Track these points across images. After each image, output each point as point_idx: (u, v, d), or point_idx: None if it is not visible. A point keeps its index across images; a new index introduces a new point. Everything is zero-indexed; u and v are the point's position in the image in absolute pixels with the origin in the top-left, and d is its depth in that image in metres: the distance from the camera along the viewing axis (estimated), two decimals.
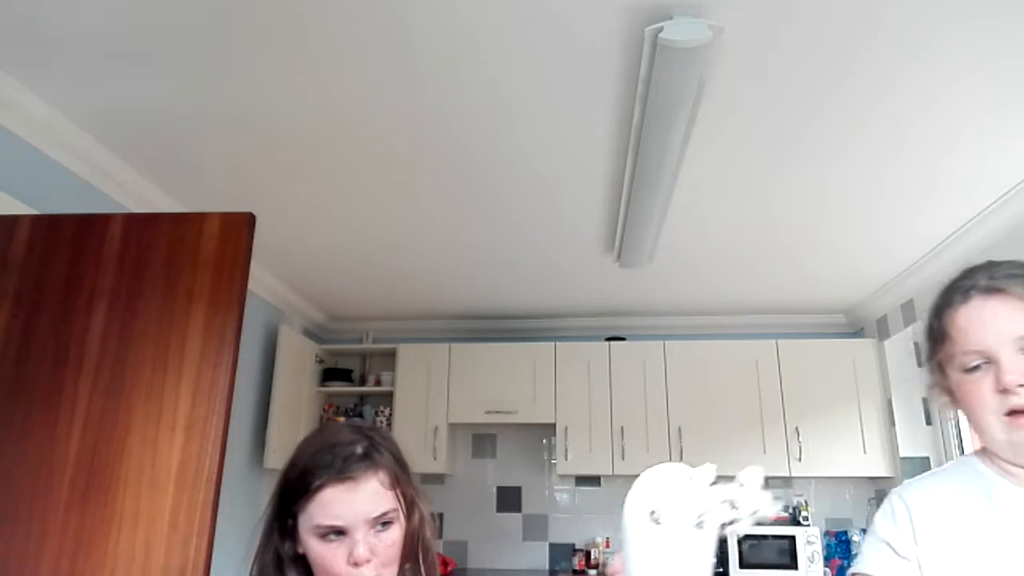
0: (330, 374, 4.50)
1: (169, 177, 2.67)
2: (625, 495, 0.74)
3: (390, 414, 4.38)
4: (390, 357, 4.54)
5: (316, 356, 4.43)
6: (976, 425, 0.96)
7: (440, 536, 4.43)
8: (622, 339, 4.44)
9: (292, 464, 1.01)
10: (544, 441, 4.56)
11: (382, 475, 0.99)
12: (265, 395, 3.92)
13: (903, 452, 3.88)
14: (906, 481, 1.08)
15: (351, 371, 4.60)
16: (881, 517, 1.04)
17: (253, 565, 1.02)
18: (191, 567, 1.63)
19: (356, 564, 0.94)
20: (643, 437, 4.13)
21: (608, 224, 3.13)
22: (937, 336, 0.98)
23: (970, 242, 3.06)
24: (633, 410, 4.19)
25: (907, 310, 3.75)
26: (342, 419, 4.40)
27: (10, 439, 1.75)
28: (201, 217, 1.92)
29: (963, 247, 3.12)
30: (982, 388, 0.92)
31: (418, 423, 4.29)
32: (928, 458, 3.86)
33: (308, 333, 4.58)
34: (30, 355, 1.81)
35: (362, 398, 4.71)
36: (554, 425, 4.24)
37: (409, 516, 1.02)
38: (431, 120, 2.27)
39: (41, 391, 1.78)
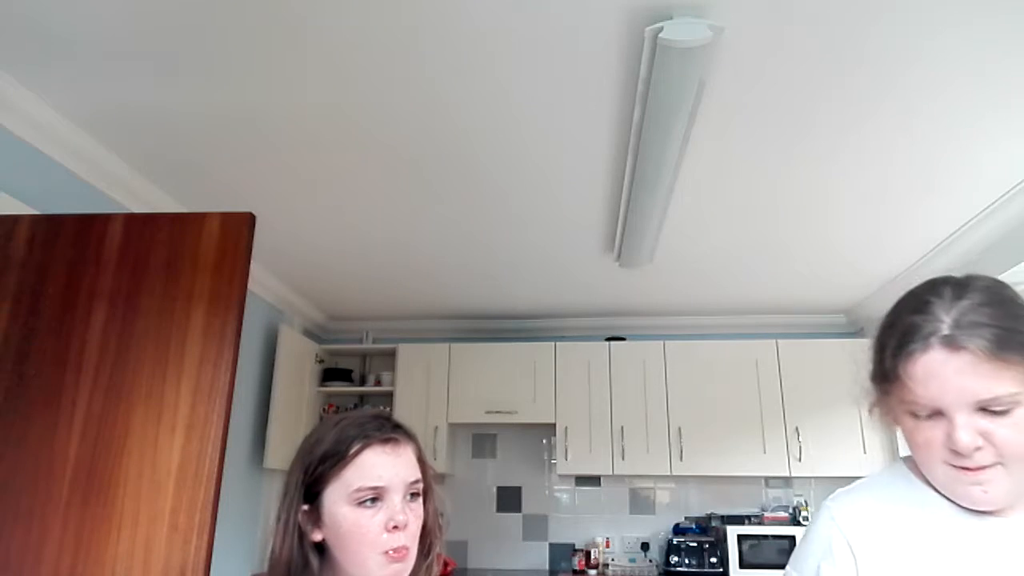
0: (330, 374, 4.50)
1: (169, 177, 2.67)
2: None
3: (390, 414, 4.37)
4: (390, 357, 4.53)
5: (316, 356, 4.43)
6: (918, 459, 0.91)
7: None
8: (622, 339, 4.44)
9: (317, 442, 1.00)
10: (544, 441, 4.56)
11: (415, 447, 1.03)
12: (265, 395, 3.92)
13: (903, 452, 3.85)
14: (839, 494, 0.98)
15: (351, 371, 4.60)
16: (812, 540, 0.95)
17: (276, 551, 0.97)
18: (191, 567, 1.63)
19: (396, 528, 0.94)
20: (643, 437, 4.13)
21: (608, 224, 3.13)
22: (889, 374, 0.89)
23: (970, 242, 3.06)
24: (633, 410, 4.19)
25: None
26: None
27: (10, 439, 1.75)
28: (201, 217, 1.92)
29: (963, 247, 3.12)
30: (931, 437, 0.86)
31: (418, 423, 4.26)
32: None
33: (308, 333, 4.58)
34: (30, 355, 1.81)
35: (362, 398, 4.71)
36: (554, 425, 4.24)
37: (428, 500, 1.03)
38: (431, 120, 2.27)
39: (41, 391, 1.78)
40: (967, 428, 0.82)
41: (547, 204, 2.92)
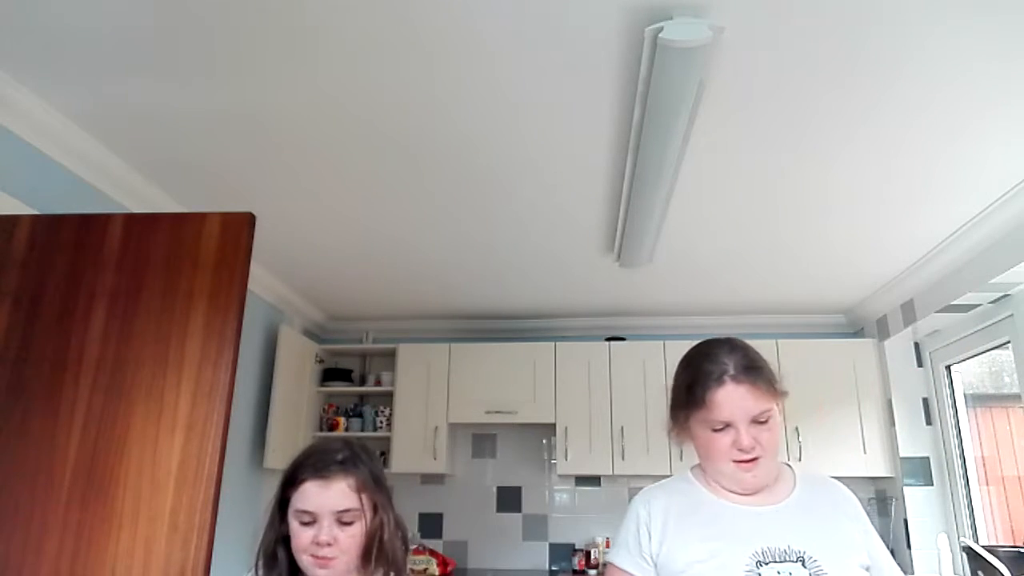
0: (330, 374, 4.50)
1: (169, 177, 2.67)
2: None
3: (390, 414, 4.38)
4: (390, 357, 4.54)
5: (316, 356, 4.43)
6: (709, 462, 1.36)
7: (440, 536, 4.43)
8: (622, 339, 4.44)
9: (290, 462, 1.31)
10: (544, 441, 4.56)
11: (352, 480, 1.27)
12: (265, 395, 3.92)
13: (903, 452, 3.88)
14: (647, 488, 1.44)
15: (351, 371, 4.60)
16: (629, 520, 1.39)
17: (259, 544, 1.30)
18: (191, 566, 1.63)
19: (319, 544, 1.22)
20: (643, 437, 4.13)
21: (608, 224, 3.13)
22: (696, 401, 1.32)
23: (970, 242, 3.06)
24: (633, 410, 4.18)
25: (907, 310, 3.75)
26: (341, 419, 4.41)
27: (10, 439, 1.75)
28: (201, 217, 1.92)
29: (963, 247, 3.12)
30: (722, 442, 1.31)
31: (418, 423, 4.29)
32: (928, 458, 3.86)
33: (308, 333, 4.58)
34: (30, 355, 1.81)
35: (362, 398, 4.71)
36: (554, 425, 4.24)
37: (371, 518, 1.27)
38: (430, 120, 2.27)
39: (41, 391, 1.78)
40: (747, 434, 1.29)
41: (547, 204, 2.92)
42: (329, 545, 1.22)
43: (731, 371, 1.32)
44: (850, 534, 1.31)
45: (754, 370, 1.33)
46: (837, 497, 1.38)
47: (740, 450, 1.29)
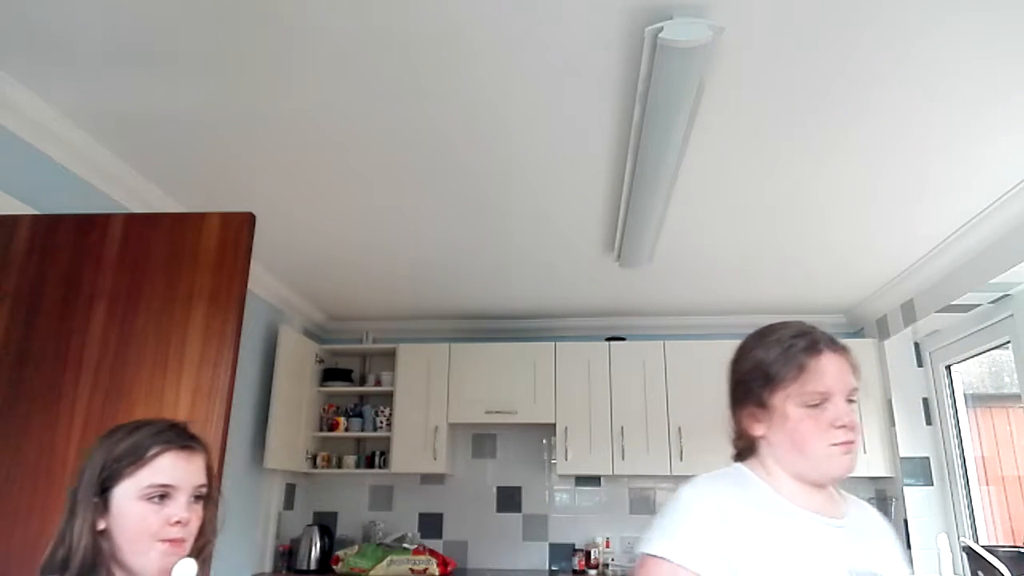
0: (330, 374, 4.50)
1: (169, 177, 2.67)
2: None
3: (390, 414, 4.38)
4: (390, 357, 4.54)
5: (316, 356, 4.43)
6: (800, 447, 1.18)
7: (440, 536, 4.43)
8: (622, 339, 4.44)
9: (116, 442, 1.13)
10: (544, 441, 4.56)
11: (206, 455, 1.19)
12: (265, 395, 3.92)
13: (903, 452, 3.88)
14: (707, 479, 1.20)
15: (351, 371, 4.60)
16: (695, 512, 1.14)
17: (60, 539, 1.08)
18: None
19: (178, 523, 1.09)
20: (643, 437, 4.13)
21: (608, 224, 3.13)
22: (791, 373, 1.19)
23: (969, 243, 3.06)
24: (633, 410, 4.19)
25: (907, 310, 3.75)
26: (341, 419, 4.41)
27: (10, 439, 1.75)
28: (201, 217, 1.92)
29: (963, 247, 3.12)
30: (819, 421, 1.17)
31: (418, 423, 4.29)
32: (928, 458, 3.86)
33: (308, 333, 4.58)
34: (30, 355, 1.81)
35: (362, 398, 4.71)
36: (554, 425, 4.24)
37: (208, 506, 1.17)
38: (431, 119, 2.27)
39: (41, 391, 1.78)
40: (844, 407, 1.17)
41: (547, 204, 2.92)
42: (187, 524, 1.10)
43: (824, 340, 1.24)
44: (900, 557, 1.25)
45: (841, 343, 1.27)
46: (877, 516, 1.31)
47: (842, 426, 1.15)
